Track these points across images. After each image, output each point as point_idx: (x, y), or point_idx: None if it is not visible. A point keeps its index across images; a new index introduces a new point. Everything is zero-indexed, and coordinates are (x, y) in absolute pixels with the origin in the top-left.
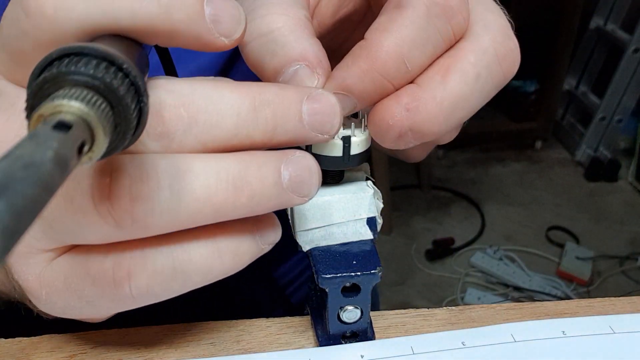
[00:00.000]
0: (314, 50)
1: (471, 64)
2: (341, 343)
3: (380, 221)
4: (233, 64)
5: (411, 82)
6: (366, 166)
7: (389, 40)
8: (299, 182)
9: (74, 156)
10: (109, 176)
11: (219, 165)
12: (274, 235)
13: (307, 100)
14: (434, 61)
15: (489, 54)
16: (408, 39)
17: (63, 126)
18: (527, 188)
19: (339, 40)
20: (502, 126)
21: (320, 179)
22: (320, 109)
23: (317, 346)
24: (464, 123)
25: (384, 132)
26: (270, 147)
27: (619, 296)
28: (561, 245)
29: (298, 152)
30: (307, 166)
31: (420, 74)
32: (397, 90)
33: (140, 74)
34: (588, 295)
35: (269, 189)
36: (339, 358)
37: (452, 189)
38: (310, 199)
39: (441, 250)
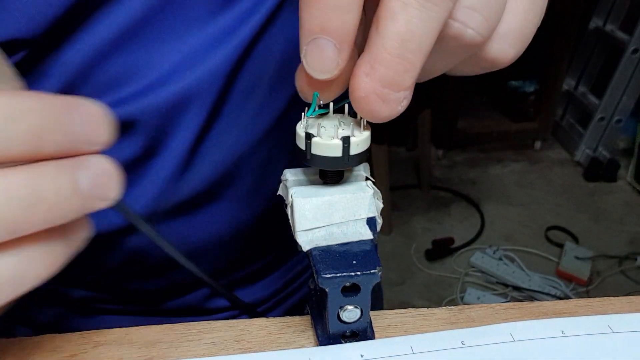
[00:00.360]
0: None
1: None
2: (341, 343)
3: (380, 221)
4: (242, 66)
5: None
6: (366, 166)
7: None
8: (98, 187)
9: None
10: None
11: (5, 181)
12: (85, 232)
13: (72, 109)
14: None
15: None
16: None
17: None
18: (527, 188)
19: None
20: (502, 126)
21: (119, 181)
22: (85, 118)
23: (317, 346)
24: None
25: (369, 107)
26: (50, 157)
27: (618, 296)
28: (560, 245)
29: (93, 157)
30: (103, 170)
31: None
32: (363, 9)
33: None
34: (587, 295)
35: (68, 200)
36: (339, 358)
37: (452, 189)
38: (114, 201)
39: (441, 250)
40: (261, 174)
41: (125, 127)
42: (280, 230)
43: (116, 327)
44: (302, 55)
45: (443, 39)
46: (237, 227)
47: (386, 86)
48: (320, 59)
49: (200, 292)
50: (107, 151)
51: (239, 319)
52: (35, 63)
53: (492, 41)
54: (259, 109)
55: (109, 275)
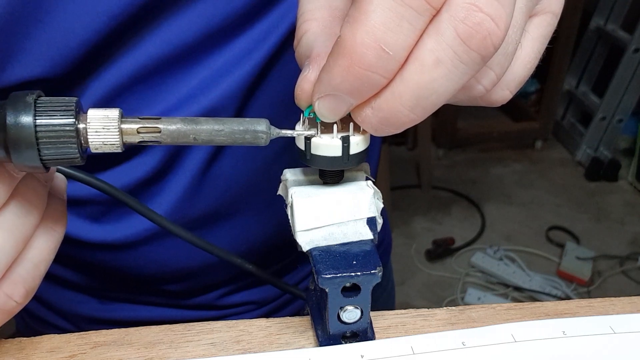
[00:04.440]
0: (318, 48)
1: (429, 50)
2: (341, 343)
3: (380, 221)
4: (256, 89)
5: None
6: (366, 166)
7: (361, 31)
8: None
9: None
10: None
11: None
12: (63, 228)
13: None
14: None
15: (448, 35)
16: (379, 24)
17: None
18: (527, 188)
19: None
20: (502, 126)
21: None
22: None
23: (317, 346)
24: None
25: (367, 129)
26: None
27: (619, 296)
28: (561, 245)
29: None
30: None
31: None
32: (391, 78)
33: None
34: (588, 295)
35: None
36: (339, 358)
37: (452, 189)
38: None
39: (441, 250)
40: (276, 192)
41: (142, 147)
42: (292, 242)
43: (141, 316)
44: (315, 98)
45: None
46: (253, 241)
47: (385, 124)
48: (333, 110)
49: (216, 292)
50: (124, 169)
51: (240, 319)
52: (60, 94)
53: (496, 87)
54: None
55: (137, 278)
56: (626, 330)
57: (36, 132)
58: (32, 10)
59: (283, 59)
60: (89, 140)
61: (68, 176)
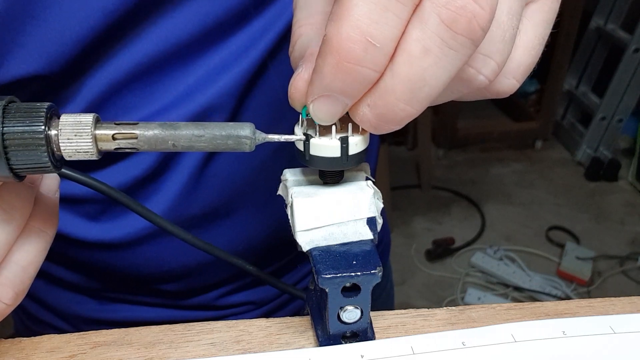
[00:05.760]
0: (312, 48)
1: (415, 40)
2: (341, 343)
3: (380, 221)
4: (253, 87)
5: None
6: (366, 166)
7: (345, 26)
8: None
9: None
10: None
11: None
12: (54, 230)
13: None
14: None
15: (432, 23)
16: (363, 17)
17: None
18: (527, 188)
19: None
20: (502, 126)
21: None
22: None
23: (317, 346)
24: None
25: (367, 128)
26: None
27: (619, 296)
28: (561, 245)
29: None
30: None
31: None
32: (381, 72)
33: None
34: (588, 295)
35: None
36: (339, 358)
37: (452, 189)
38: None
39: (441, 250)
40: (275, 189)
41: None
42: (291, 240)
43: (140, 317)
44: (309, 100)
45: (453, 80)
46: (251, 240)
47: (384, 120)
48: (328, 111)
49: (215, 292)
50: (121, 168)
51: (240, 319)
52: (57, 91)
53: (501, 76)
54: (268, 128)
55: (135, 278)
56: (626, 330)
57: (3, 139)
58: (27, 7)
59: (280, 56)
60: (61, 147)
61: (62, 176)
